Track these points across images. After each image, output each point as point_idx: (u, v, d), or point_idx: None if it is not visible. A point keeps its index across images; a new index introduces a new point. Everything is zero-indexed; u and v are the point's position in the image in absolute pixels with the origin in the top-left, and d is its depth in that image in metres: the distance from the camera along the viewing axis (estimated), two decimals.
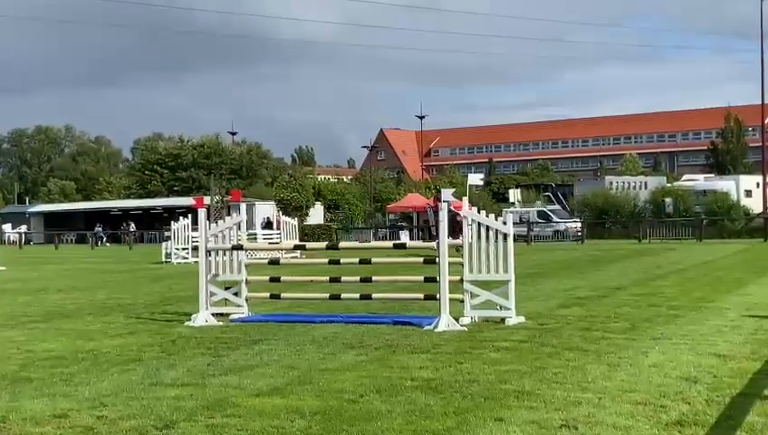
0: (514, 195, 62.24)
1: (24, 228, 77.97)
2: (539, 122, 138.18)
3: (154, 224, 70.03)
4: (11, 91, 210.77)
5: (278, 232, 37.86)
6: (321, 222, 66.00)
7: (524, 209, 58.52)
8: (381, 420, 6.43)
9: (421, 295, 12.73)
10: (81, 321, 13.39)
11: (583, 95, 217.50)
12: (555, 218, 58.16)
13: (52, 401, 7.29)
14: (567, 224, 57.15)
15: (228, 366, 8.89)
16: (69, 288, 20.46)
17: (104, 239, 69.47)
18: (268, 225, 48.46)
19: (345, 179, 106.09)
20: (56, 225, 77.73)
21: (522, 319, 12.05)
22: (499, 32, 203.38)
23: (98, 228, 71.64)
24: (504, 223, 12.29)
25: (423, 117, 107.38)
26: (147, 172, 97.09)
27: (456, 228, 13.68)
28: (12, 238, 72.81)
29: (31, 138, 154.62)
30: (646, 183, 64.83)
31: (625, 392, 7.23)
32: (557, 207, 62.58)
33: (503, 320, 11.96)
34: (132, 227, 71.15)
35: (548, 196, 68.79)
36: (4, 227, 71.36)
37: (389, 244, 16.63)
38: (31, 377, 8.44)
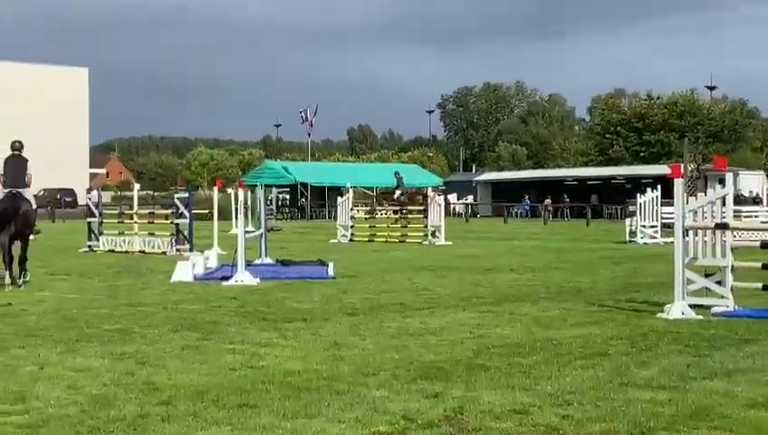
0: None
1: (470, 199, 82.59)
2: None
3: (615, 196, 70.45)
4: (457, 46, 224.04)
5: (766, 208, 36.27)
6: None
7: None
8: None
9: None
10: (536, 306, 13.92)
11: None
12: None
13: (511, 393, 7.68)
14: None
15: (713, 369, 8.75)
16: (521, 268, 21.34)
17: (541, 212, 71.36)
18: (753, 200, 46.62)
19: None
20: (505, 195, 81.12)
21: None
22: None
23: (524, 201, 73.74)
24: None
25: None
26: (607, 136, 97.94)
27: None
28: (458, 210, 77.49)
29: (478, 97, 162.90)
30: None
31: None
32: None
33: None
34: (594, 199, 72.18)
35: None
36: (449, 197, 75.91)
37: None
38: (486, 365, 8.96)
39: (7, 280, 16.56)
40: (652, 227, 33.62)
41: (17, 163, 17.50)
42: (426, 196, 35.79)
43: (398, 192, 44.65)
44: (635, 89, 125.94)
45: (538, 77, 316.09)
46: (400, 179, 45.98)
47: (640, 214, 33.97)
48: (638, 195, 35.09)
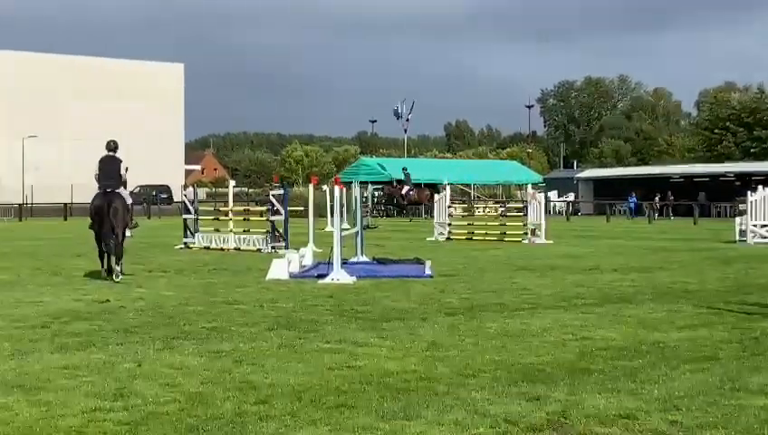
0: None
1: (571, 196, 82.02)
2: None
3: (724, 194, 69.24)
4: (557, 39, 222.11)
5: None
6: None
7: None
8: None
9: None
10: (641, 307, 13.75)
11: None
12: None
13: (617, 398, 7.61)
14: None
15: None
16: (624, 268, 21.11)
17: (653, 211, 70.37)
18: None
19: None
20: (608, 193, 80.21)
21: None
22: None
23: (631, 199, 72.64)
24: None
25: None
26: (716, 131, 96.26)
27: None
28: (558, 208, 77.00)
29: (579, 91, 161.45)
30: None
31: None
32: None
33: None
34: (701, 197, 70.98)
35: None
36: (549, 194, 75.39)
37: None
38: (590, 368, 8.89)
39: (104, 266, 17.94)
40: (764, 226, 32.91)
41: (111, 162, 18.35)
42: (432, 194, 35.89)
43: (406, 188, 44.78)
44: (746, 82, 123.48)
45: (642, 70, 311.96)
46: (407, 175, 46.25)
47: (751, 212, 33.30)
48: (749, 193, 34.39)
